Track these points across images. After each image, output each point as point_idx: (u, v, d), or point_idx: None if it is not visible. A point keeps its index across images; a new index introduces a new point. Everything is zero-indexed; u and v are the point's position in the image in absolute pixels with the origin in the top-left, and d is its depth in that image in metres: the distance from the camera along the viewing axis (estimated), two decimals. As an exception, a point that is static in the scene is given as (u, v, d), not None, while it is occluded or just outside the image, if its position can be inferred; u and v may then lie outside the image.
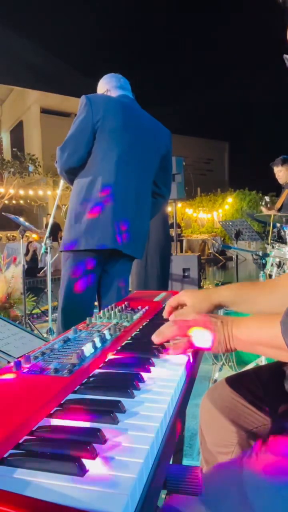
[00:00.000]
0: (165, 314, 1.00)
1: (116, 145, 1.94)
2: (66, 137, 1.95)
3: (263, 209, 4.39)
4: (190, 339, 0.76)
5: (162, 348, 0.80)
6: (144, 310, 1.07)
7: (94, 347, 0.73)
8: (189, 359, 0.76)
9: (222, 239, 15.20)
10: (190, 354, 0.79)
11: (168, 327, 0.79)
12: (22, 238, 3.90)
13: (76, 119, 1.96)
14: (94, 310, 2.09)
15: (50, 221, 3.65)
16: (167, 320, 0.97)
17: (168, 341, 0.80)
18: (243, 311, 0.95)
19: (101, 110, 1.91)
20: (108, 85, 2.12)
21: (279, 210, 4.24)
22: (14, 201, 19.05)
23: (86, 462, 0.41)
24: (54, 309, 3.53)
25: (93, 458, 0.43)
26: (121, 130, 1.95)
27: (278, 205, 4.37)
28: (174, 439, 0.56)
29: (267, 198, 4.51)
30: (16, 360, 0.66)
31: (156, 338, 0.79)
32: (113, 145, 1.93)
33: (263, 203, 4.54)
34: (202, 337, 0.75)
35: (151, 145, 2.08)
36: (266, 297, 0.92)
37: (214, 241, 13.72)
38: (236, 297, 0.95)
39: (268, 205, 4.48)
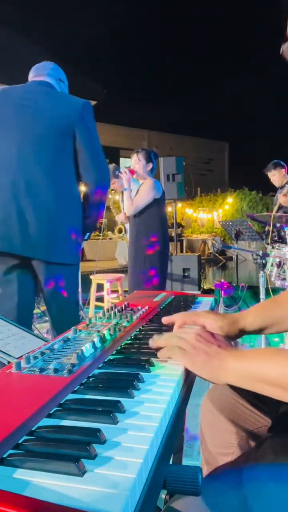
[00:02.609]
0: (166, 321, 0.94)
1: None
2: None
3: (280, 196, 4.38)
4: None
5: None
6: (144, 310, 1.08)
7: (94, 347, 0.73)
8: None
9: (222, 239, 15.19)
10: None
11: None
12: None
13: None
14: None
15: None
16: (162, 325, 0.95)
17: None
18: (274, 333, 0.93)
19: None
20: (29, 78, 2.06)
21: None
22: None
23: (86, 462, 0.41)
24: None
25: (93, 458, 0.43)
26: None
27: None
28: (174, 439, 0.56)
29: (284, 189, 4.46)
30: (16, 360, 0.66)
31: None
32: None
33: (283, 192, 4.51)
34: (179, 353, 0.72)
35: (43, 125, 1.78)
36: None
37: (214, 241, 13.72)
38: (263, 322, 0.91)
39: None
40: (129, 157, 3.66)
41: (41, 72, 1.98)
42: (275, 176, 4.70)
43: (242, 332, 0.91)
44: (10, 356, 0.92)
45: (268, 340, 3.04)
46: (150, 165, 3.44)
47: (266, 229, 3.38)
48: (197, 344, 0.72)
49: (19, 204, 1.73)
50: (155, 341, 0.77)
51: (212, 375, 0.69)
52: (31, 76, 2.00)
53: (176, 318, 0.90)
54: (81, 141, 1.83)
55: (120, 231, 4.27)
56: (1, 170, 1.76)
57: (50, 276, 1.82)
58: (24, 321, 1.83)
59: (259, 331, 0.92)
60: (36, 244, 1.75)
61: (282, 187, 4.66)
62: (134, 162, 3.43)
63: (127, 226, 3.84)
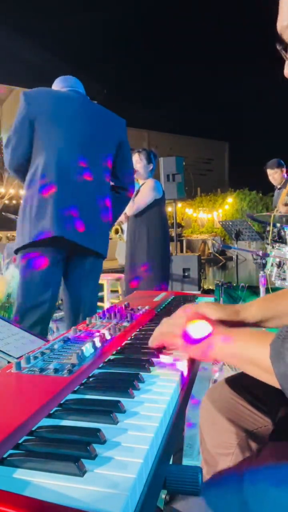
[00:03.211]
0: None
1: (56, 133, 1.90)
2: (8, 135, 1.97)
3: (282, 206, 4.39)
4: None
5: (162, 348, 0.80)
6: (144, 310, 1.08)
7: (94, 347, 0.73)
8: (189, 359, 0.76)
9: (222, 239, 15.19)
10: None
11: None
12: (22, 238, 3.88)
13: (16, 116, 1.96)
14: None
15: None
16: None
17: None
18: (275, 327, 0.93)
19: (37, 103, 1.92)
20: (55, 88, 2.14)
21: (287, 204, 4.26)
22: (14, 201, 19.02)
23: (86, 462, 0.41)
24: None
25: (93, 458, 0.43)
26: (60, 119, 1.92)
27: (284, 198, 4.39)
28: (174, 439, 0.56)
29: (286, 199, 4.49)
30: (16, 360, 0.66)
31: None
32: (53, 133, 1.90)
33: (284, 201, 4.53)
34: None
35: (100, 133, 2.03)
36: None
37: (214, 241, 13.72)
38: (266, 314, 0.92)
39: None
40: (129, 157, 3.65)
41: (71, 85, 2.13)
42: (276, 174, 4.71)
43: (242, 324, 0.91)
44: (10, 356, 0.92)
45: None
46: (151, 166, 3.44)
47: (267, 229, 3.38)
48: None
49: (82, 199, 1.89)
50: (151, 338, 0.81)
51: (202, 353, 0.72)
52: (61, 86, 2.11)
53: (178, 311, 0.92)
54: (124, 151, 2.16)
55: (116, 231, 4.26)
56: (66, 167, 1.89)
57: (95, 268, 2.02)
58: (48, 315, 1.91)
59: (260, 323, 0.93)
60: (92, 237, 1.91)
61: (280, 188, 4.67)
62: (136, 161, 3.43)
63: (124, 226, 3.85)
